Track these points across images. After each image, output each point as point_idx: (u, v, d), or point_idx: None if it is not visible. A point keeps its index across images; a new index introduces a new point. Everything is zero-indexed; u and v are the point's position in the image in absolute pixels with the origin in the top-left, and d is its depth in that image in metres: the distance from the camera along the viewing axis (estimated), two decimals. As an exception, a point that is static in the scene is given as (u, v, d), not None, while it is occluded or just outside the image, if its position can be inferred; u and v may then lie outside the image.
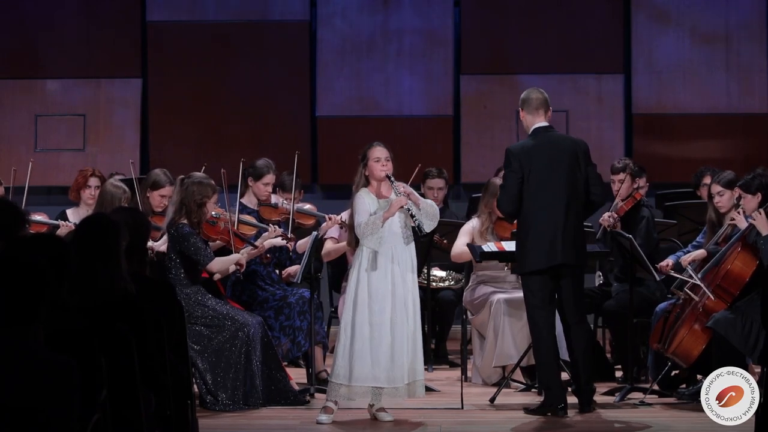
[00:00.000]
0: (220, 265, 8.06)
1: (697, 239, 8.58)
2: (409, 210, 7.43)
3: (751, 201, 7.97)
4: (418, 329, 7.55)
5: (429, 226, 7.55)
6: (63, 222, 8.70)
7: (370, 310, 7.43)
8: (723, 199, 8.34)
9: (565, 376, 8.24)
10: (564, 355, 8.55)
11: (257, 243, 8.33)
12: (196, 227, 8.01)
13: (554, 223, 7.65)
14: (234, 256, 8.12)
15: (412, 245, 7.59)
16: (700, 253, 8.24)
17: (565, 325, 7.90)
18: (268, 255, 8.58)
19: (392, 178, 7.50)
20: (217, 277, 8.21)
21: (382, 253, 7.45)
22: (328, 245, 8.74)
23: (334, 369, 7.49)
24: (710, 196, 8.47)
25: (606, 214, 8.75)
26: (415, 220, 7.41)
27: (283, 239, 8.49)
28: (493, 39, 12.50)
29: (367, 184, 7.58)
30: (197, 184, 8.03)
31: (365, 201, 7.54)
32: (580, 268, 7.83)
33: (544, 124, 7.86)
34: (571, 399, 7.84)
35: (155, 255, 8.20)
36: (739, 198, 8.10)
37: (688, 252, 8.43)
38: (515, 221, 8.96)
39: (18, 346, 3.82)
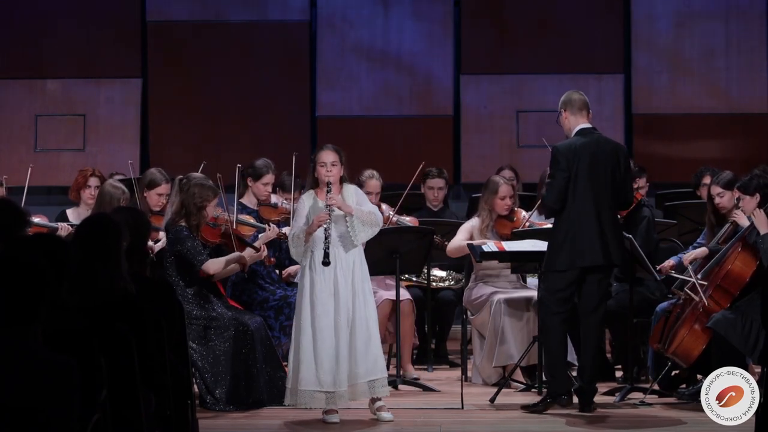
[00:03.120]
0: (216, 266, 8.02)
1: (698, 240, 8.59)
2: (326, 229, 7.38)
3: (749, 202, 7.97)
4: (372, 329, 7.50)
5: (366, 233, 7.53)
6: (62, 224, 8.68)
7: (312, 313, 7.44)
8: (724, 200, 8.34)
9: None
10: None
11: (257, 244, 8.33)
12: (195, 230, 7.99)
13: (596, 222, 7.70)
14: (233, 255, 8.10)
15: (357, 249, 7.56)
16: (702, 251, 8.24)
17: (582, 320, 7.89)
18: (273, 259, 8.58)
19: (330, 188, 7.47)
20: (217, 276, 8.20)
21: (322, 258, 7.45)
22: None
23: (288, 373, 7.53)
24: (710, 197, 8.48)
25: None
26: (327, 242, 7.35)
27: (279, 237, 8.49)
28: (493, 39, 12.50)
29: (316, 185, 7.59)
30: (198, 187, 8.01)
31: (304, 205, 7.57)
32: (616, 266, 7.89)
33: (588, 125, 7.94)
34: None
35: (155, 255, 8.19)
36: (739, 199, 8.11)
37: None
38: (515, 220, 9.00)
39: (18, 346, 3.82)
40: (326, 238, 7.37)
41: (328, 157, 7.54)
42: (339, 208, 7.46)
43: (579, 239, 7.72)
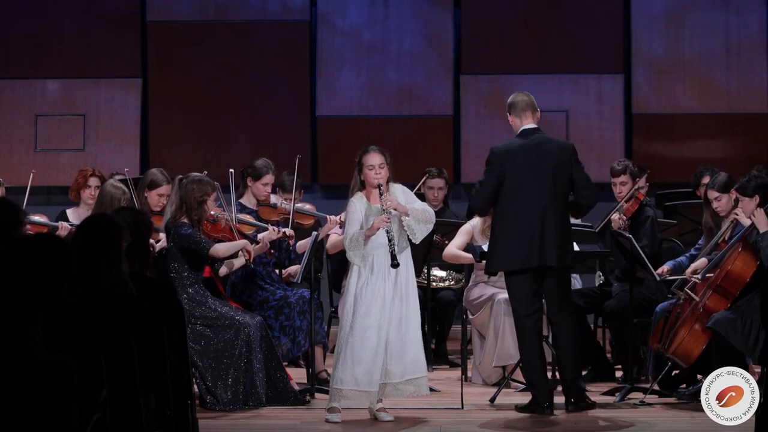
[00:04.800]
0: (225, 248, 8.03)
1: (699, 243, 8.58)
2: (388, 232, 7.40)
3: (749, 204, 7.96)
4: (413, 329, 7.51)
5: (423, 231, 7.56)
6: (62, 223, 8.68)
7: (354, 313, 7.45)
8: (721, 203, 8.32)
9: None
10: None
11: (259, 239, 8.33)
12: (197, 225, 8.01)
13: (535, 224, 7.69)
14: (240, 241, 8.10)
15: (407, 251, 7.59)
16: (702, 262, 8.20)
17: (549, 322, 7.95)
18: (273, 251, 8.57)
19: (382, 190, 7.48)
20: (224, 270, 8.21)
21: (377, 260, 7.46)
22: (333, 237, 8.72)
23: (333, 372, 7.54)
24: (707, 201, 8.45)
25: (615, 216, 8.75)
26: (392, 244, 7.36)
27: (282, 237, 8.49)
28: (493, 39, 12.50)
29: (362, 188, 7.60)
30: (197, 182, 8.04)
31: (357, 209, 7.56)
32: (565, 269, 7.84)
33: (532, 125, 7.90)
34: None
35: (157, 253, 8.19)
36: (737, 200, 8.10)
37: (691, 255, 8.44)
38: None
39: (16, 346, 3.82)
40: (390, 241, 7.38)
41: (375, 159, 7.55)
42: (396, 209, 7.46)
43: (515, 241, 7.72)
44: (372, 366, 7.41)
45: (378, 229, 7.42)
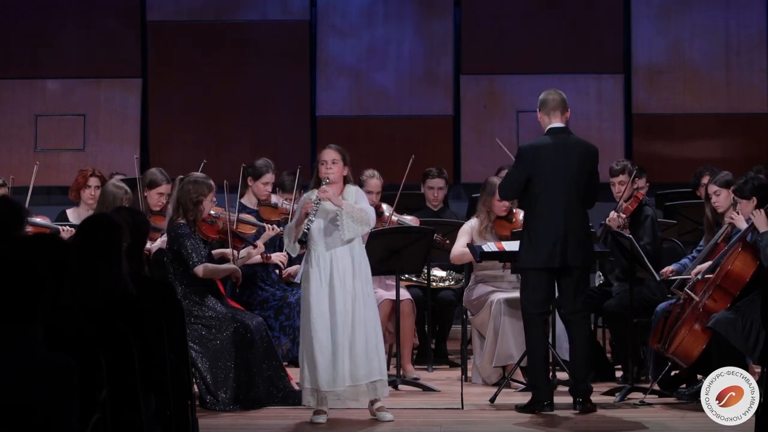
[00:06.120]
0: (208, 271, 8.01)
1: (701, 244, 8.58)
2: (308, 214, 7.44)
3: (747, 206, 7.96)
4: (371, 330, 7.49)
5: (353, 230, 7.48)
6: (63, 227, 8.65)
7: (310, 314, 7.47)
8: (720, 198, 8.35)
9: (564, 375, 8.25)
10: (564, 354, 8.56)
11: (256, 243, 8.33)
12: (193, 226, 8.00)
13: (559, 224, 7.69)
14: (228, 266, 8.10)
15: (357, 251, 7.56)
16: (707, 266, 8.19)
17: (564, 322, 7.94)
18: (269, 255, 8.58)
19: (324, 183, 7.51)
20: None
21: (321, 256, 7.47)
22: None
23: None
24: (707, 197, 8.48)
25: (613, 215, 8.76)
26: (307, 225, 7.40)
27: (280, 235, 8.50)
28: (493, 39, 12.50)
29: (319, 184, 7.60)
30: (193, 183, 8.04)
31: (302, 202, 7.62)
32: (586, 269, 7.86)
33: (560, 125, 7.91)
34: (569, 398, 7.86)
35: (151, 255, 8.19)
36: (735, 200, 8.10)
37: (693, 257, 8.45)
38: (514, 221, 9.01)
39: (16, 346, 3.82)
40: (307, 226, 7.44)
41: (329, 155, 7.60)
42: (329, 200, 7.48)
43: (540, 240, 7.73)
44: (328, 367, 7.40)
45: (306, 215, 7.46)
